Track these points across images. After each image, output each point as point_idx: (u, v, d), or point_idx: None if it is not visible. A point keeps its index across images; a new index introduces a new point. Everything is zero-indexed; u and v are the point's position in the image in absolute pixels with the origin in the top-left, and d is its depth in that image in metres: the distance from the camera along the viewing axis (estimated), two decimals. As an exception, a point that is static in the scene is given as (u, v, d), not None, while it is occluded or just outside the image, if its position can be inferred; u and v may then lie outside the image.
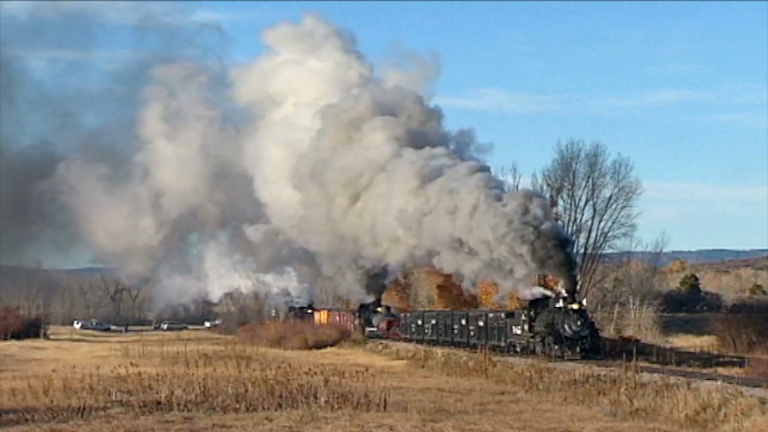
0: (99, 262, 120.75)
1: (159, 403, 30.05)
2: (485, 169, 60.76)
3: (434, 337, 64.16)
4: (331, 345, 73.01)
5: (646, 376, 34.54)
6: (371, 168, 65.64)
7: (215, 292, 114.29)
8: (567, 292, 46.76)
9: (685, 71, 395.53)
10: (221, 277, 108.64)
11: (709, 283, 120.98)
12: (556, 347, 45.65)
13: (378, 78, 78.11)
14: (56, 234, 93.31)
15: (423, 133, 67.39)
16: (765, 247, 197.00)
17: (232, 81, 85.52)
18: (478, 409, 31.28)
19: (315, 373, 36.38)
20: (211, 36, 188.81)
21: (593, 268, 75.06)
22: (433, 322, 65.40)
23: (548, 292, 50.44)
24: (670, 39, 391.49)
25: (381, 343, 69.66)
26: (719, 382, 31.28)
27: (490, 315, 55.80)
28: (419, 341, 65.54)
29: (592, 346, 45.58)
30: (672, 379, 32.94)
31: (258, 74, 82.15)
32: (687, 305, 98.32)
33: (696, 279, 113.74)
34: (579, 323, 45.49)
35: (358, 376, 38.18)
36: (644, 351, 50.62)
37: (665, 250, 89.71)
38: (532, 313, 48.38)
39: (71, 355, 64.04)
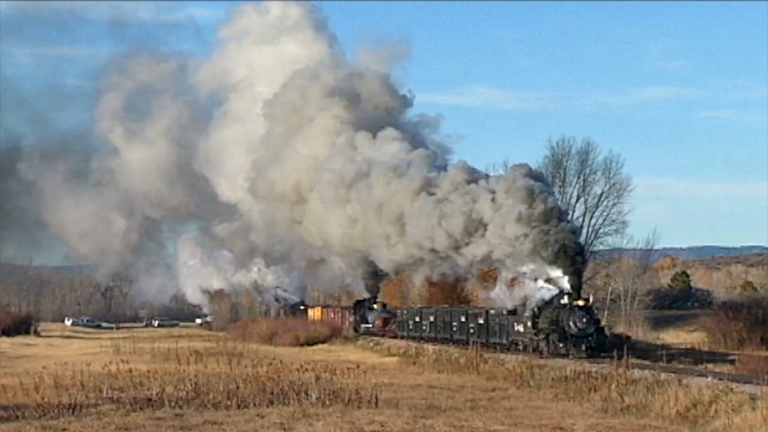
0: (71, 261, 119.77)
1: (150, 399, 30.05)
2: (440, 160, 59.62)
3: (432, 335, 62.55)
4: (323, 342, 72.92)
5: (637, 373, 34.59)
6: (305, 176, 63.74)
7: (189, 291, 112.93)
8: (572, 288, 45.10)
9: (675, 68, 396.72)
10: (192, 276, 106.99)
11: (699, 280, 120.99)
12: (561, 345, 44.12)
13: (352, 63, 75.75)
14: (28, 233, 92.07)
15: (380, 116, 65.13)
16: (756, 244, 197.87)
17: (195, 73, 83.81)
18: (469, 405, 31.32)
19: (306, 369, 36.42)
20: (188, 32, 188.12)
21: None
22: (431, 319, 63.62)
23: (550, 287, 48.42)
24: (660, 36, 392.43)
25: (372, 340, 69.58)
26: (710, 379, 31.34)
27: (491, 312, 53.66)
28: (416, 339, 63.91)
29: (598, 343, 43.87)
30: (663, 376, 32.99)
31: (218, 64, 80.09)
32: (678, 302, 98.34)
33: (687, 276, 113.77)
34: (585, 320, 44.00)
35: (349, 373, 38.24)
36: (635, 347, 50.59)
37: (656, 246, 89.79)
38: (535, 309, 46.85)
39: (62, 352, 63.98)
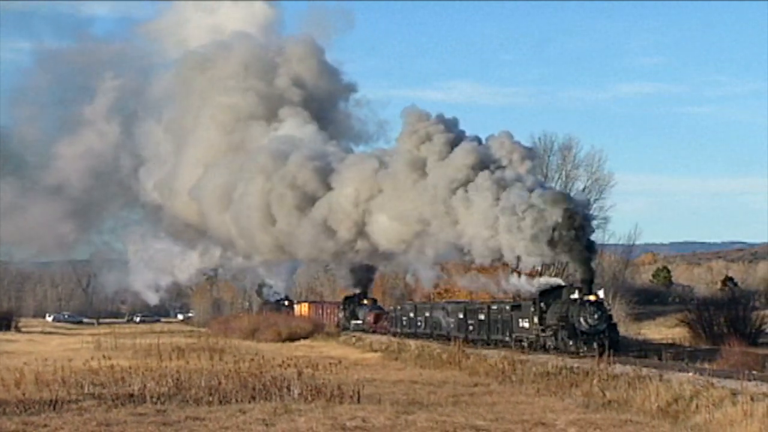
0: (7, 258, 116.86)
1: (132, 395, 29.98)
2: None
3: (427, 331, 59.77)
4: (305, 337, 72.87)
5: (618, 368, 34.67)
6: (191, 197, 56.60)
7: (140, 289, 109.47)
8: (583, 281, 41.95)
9: (655, 64, 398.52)
10: (141, 273, 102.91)
11: (681, 276, 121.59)
12: (571, 342, 41.08)
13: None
14: None
15: (306, 100, 57.45)
16: (736, 240, 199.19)
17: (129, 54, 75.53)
18: (451, 401, 31.31)
19: (288, 365, 36.48)
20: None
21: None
22: (427, 314, 60.81)
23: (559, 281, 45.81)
24: (640, 32, 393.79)
25: (354, 336, 69.48)
26: (691, 374, 31.45)
27: (493, 307, 50.71)
28: (411, 336, 61.05)
29: (610, 341, 40.72)
30: (644, 371, 33.10)
31: (149, 42, 72.78)
32: (659, 297, 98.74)
33: (668, 271, 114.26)
34: (596, 316, 40.95)
35: (331, 369, 38.31)
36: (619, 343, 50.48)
37: (638, 242, 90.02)
38: (542, 304, 43.89)
39: (43, 348, 63.72)
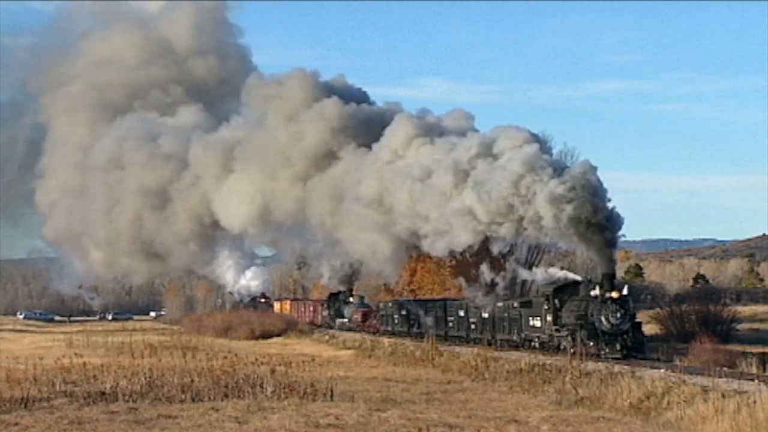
0: None
1: (104, 393, 29.85)
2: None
3: (422, 330, 55.79)
4: (278, 335, 72.73)
5: (591, 365, 34.79)
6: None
7: (67, 291, 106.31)
8: (604, 277, 38.33)
9: (628, 61, 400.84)
10: (64, 275, 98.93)
11: (653, 273, 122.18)
12: (591, 343, 37.22)
13: None
14: None
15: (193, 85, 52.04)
16: (707, 237, 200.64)
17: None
18: (424, 398, 31.36)
19: (261, 363, 36.43)
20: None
21: (539, 258, 75.26)
22: (421, 312, 57.32)
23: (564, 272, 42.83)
24: (611, 30, 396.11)
25: (328, 333, 69.36)
26: (663, 371, 31.60)
27: (499, 304, 46.77)
28: (403, 335, 57.90)
29: (634, 342, 37.49)
30: (616, 368, 33.24)
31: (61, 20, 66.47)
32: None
33: (640, 268, 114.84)
34: (619, 315, 37.31)
35: (304, 366, 38.32)
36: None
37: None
38: (556, 301, 40.30)
39: (14, 346, 63.35)
